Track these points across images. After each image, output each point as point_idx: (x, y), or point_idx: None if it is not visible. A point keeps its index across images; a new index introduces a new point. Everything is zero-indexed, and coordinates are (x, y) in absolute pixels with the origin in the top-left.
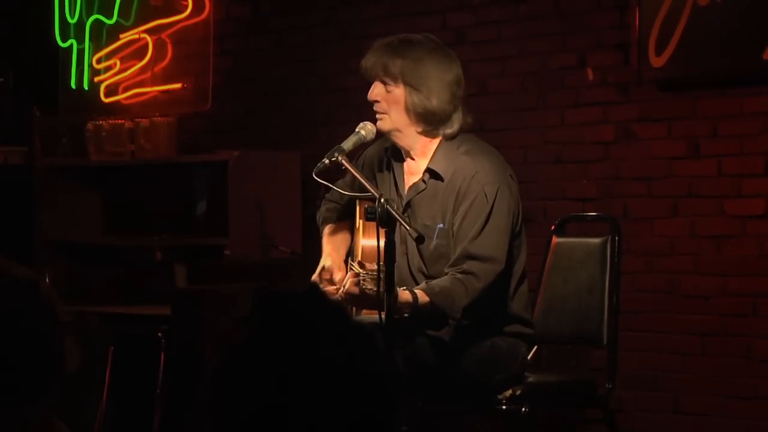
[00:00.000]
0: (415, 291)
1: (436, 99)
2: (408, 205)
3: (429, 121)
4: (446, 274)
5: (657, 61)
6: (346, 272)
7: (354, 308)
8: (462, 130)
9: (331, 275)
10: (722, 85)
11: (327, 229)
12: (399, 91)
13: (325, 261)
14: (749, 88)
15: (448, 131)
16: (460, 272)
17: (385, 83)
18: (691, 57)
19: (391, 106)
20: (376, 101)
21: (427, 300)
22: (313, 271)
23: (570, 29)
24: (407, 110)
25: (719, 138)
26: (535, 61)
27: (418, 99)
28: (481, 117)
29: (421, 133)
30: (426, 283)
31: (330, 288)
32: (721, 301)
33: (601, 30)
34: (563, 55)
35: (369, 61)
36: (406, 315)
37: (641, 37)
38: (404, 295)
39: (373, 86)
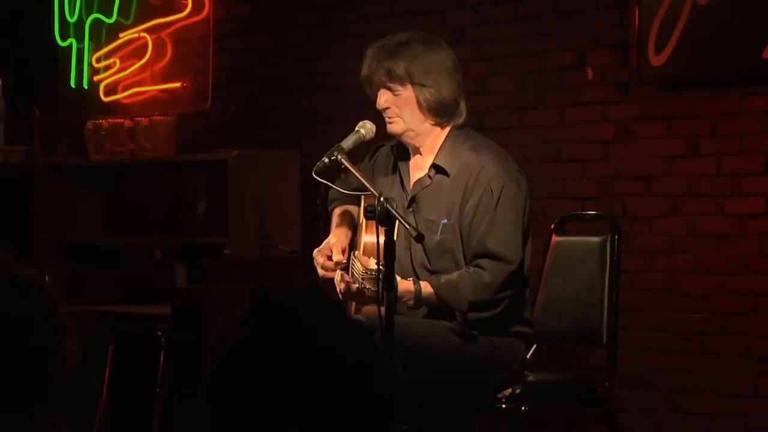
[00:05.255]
0: (420, 282)
1: (445, 89)
2: (413, 199)
3: (442, 113)
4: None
5: (656, 60)
6: (348, 259)
7: (354, 304)
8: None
9: (332, 253)
10: (722, 84)
11: (337, 210)
12: (408, 92)
13: (331, 239)
14: (749, 87)
15: (459, 120)
16: (472, 266)
17: (391, 89)
18: (690, 56)
19: (403, 108)
20: (387, 108)
21: (431, 291)
22: (313, 271)
23: (569, 28)
24: (420, 107)
25: (719, 137)
26: (534, 60)
27: (429, 93)
28: (480, 116)
29: (434, 125)
30: (434, 276)
31: (327, 263)
32: (721, 300)
33: (600, 29)
34: (563, 54)
35: (370, 70)
36: (410, 305)
37: (641, 36)
38: (405, 284)
39: (379, 95)
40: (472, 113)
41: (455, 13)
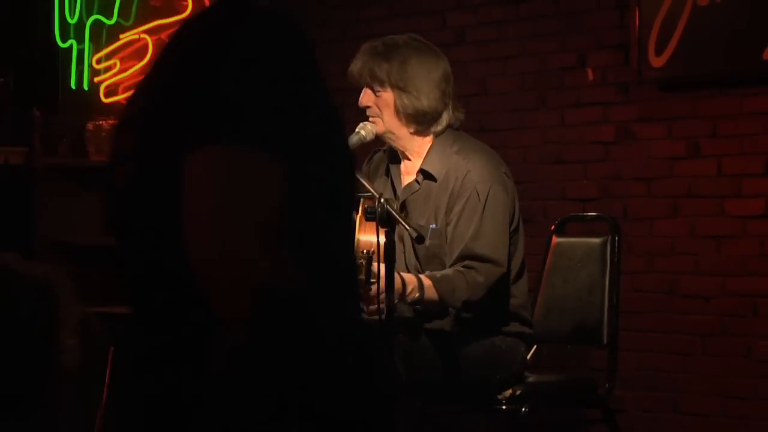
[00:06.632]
0: (420, 276)
1: (425, 99)
2: (403, 205)
3: (420, 122)
4: None
5: (657, 61)
6: None
7: None
8: (451, 126)
9: None
10: (722, 85)
11: None
12: (388, 95)
13: None
14: (749, 88)
15: (438, 128)
16: (462, 266)
17: (373, 88)
18: (691, 57)
19: (383, 109)
20: (368, 106)
21: (430, 284)
22: None
23: (570, 29)
24: (398, 113)
25: (719, 138)
26: (535, 61)
27: (408, 100)
28: (481, 117)
29: (413, 134)
30: (430, 272)
31: None
32: (721, 301)
33: (601, 30)
34: (563, 55)
35: (356, 67)
36: (416, 297)
37: (641, 37)
38: (409, 277)
39: (362, 92)
40: (473, 114)
41: (456, 14)
